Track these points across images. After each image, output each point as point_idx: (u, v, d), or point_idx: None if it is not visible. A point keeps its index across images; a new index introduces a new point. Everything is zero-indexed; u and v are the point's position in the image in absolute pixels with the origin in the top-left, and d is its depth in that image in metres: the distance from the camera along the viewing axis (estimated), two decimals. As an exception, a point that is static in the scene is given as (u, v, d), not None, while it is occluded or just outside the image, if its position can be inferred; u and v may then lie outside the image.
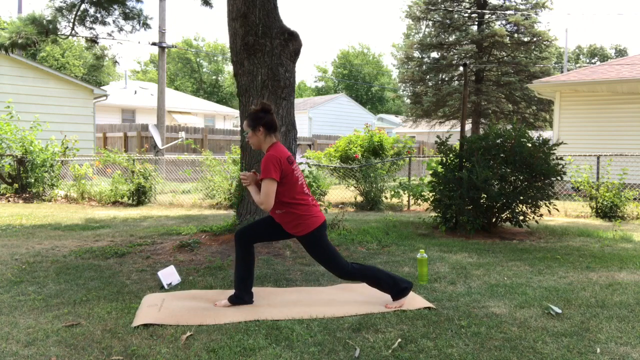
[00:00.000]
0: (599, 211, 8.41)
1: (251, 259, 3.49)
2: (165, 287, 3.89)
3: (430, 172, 7.09)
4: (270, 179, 3.23)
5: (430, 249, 5.40)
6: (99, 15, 8.76)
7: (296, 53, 5.60)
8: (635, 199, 8.45)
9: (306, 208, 3.36)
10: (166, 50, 16.51)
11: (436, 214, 6.76)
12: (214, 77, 52.14)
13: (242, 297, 3.44)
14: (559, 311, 3.33)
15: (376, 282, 3.45)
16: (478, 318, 3.21)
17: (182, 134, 17.31)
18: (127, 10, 8.93)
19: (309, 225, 3.34)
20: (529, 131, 6.86)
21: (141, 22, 9.13)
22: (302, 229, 3.35)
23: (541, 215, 6.50)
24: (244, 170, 5.59)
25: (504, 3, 23.40)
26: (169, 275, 4.00)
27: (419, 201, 8.67)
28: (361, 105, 36.94)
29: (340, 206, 9.82)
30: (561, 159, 6.43)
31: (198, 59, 51.11)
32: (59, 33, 8.49)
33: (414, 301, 3.52)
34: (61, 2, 8.50)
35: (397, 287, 3.42)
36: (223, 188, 9.71)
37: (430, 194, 6.96)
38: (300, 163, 8.81)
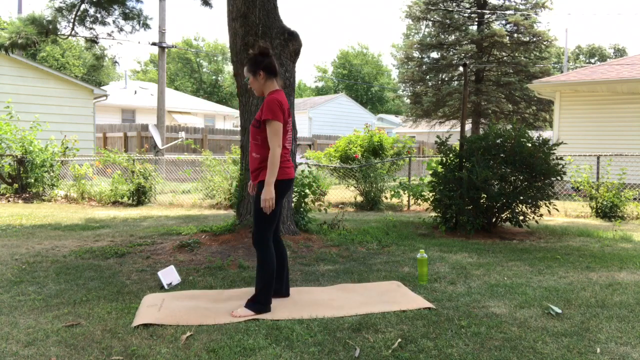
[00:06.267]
0: (599, 211, 8.41)
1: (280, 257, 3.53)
2: (165, 287, 3.88)
3: (430, 172, 7.10)
4: (276, 121, 3.16)
5: (430, 249, 5.40)
6: (98, 15, 8.76)
7: (296, 53, 5.60)
8: (635, 199, 8.46)
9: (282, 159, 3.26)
10: (166, 50, 16.50)
11: (436, 214, 6.76)
12: (213, 77, 52.14)
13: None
14: (559, 311, 3.33)
15: (261, 275, 3.26)
16: (478, 318, 3.21)
17: (182, 134, 17.31)
18: (127, 11, 8.93)
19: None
20: (529, 131, 6.86)
21: (141, 22, 9.13)
22: (263, 175, 3.24)
23: (541, 215, 6.50)
24: (244, 171, 5.59)
25: (504, 3, 23.40)
26: (169, 275, 4.00)
27: (419, 201, 8.67)
28: (361, 105, 36.93)
29: (340, 206, 9.82)
30: (561, 159, 6.43)
31: (198, 59, 51.10)
32: (59, 33, 8.49)
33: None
34: (61, 2, 8.51)
35: (263, 299, 3.26)
36: (223, 188, 9.71)
37: (430, 194, 6.96)
38: (300, 163, 8.81)
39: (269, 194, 3.14)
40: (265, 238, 3.29)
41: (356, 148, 13.56)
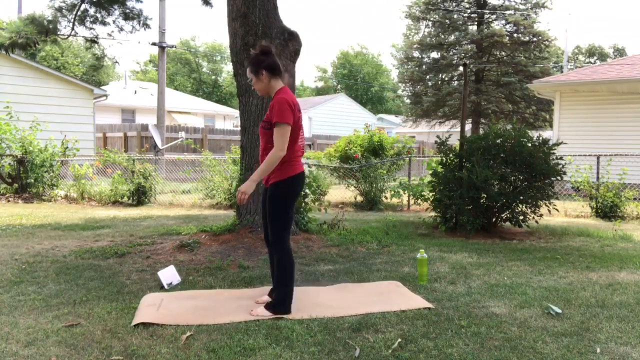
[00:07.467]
0: (599, 211, 8.41)
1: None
2: (166, 287, 3.88)
3: (430, 172, 7.10)
4: (286, 124, 3.08)
5: (430, 249, 5.40)
6: (99, 15, 8.76)
7: (296, 53, 5.60)
8: (635, 199, 8.46)
9: (293, 155, 3.21)
10: (166, 50, 16.50)
11: (436, 214, 6.76)
12: (213, 77, 52.12)
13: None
14: (559, 311, 3.33)
15: (279, 277, 3.23)
16: (478, 318, 3.21)
17: (182, 134, 17.31)
18: (127, 11, 8.93)
19: (284, 173, 3.17)
20: (529, 131, 6.86)
21: (141, 22, 9.13)
22: (275, 176, 3.17)
23: (541, 215, 6.50)
24: (244, 171, 5.59)
25: (504, 3, 23.41)
26: (169, 275, 4.00)
27: (419, 201, 8.67)
28: (361, 105, 36.94)
29: (340, 206, 9.82)
30: (561, 158, 6.43)
31: (197, 59, 51.08)
32: (59, 33, 8.48)
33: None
34: (61, 2, 8.51)
35: (282, 300, 3.24)
36: (223, 188, 9.71)
37: (430, 194, 6.96)
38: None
39: (248, 188, 3.12)
40: (282, 238, 3.21)
41: (356, 148, 13.55)
